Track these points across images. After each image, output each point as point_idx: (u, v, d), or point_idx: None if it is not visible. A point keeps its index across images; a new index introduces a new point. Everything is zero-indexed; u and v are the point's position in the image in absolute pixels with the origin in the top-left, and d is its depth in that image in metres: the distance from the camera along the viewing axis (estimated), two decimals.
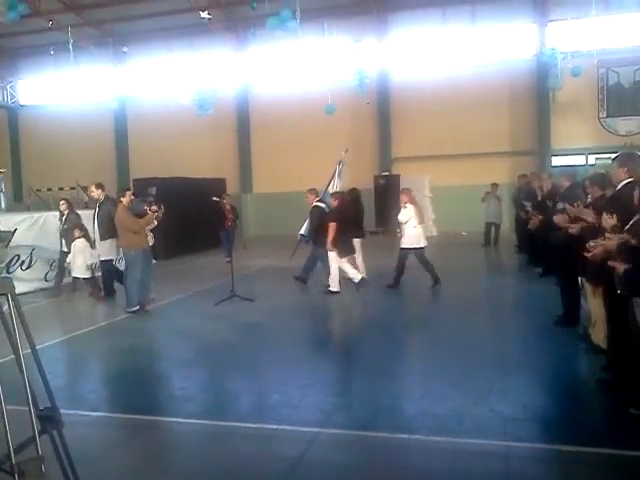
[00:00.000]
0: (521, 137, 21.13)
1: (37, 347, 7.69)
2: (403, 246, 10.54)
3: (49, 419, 2.37)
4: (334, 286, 10.17)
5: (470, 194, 19.04)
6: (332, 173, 12.19)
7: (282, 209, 22.43)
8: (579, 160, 20.23)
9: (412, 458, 4.12)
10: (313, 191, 11.33)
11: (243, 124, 24.05)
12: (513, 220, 15.46)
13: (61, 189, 20.05)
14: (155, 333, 8.43)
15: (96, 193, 10.60)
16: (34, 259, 11.56)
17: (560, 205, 7.09)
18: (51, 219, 12.26)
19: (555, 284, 7.91)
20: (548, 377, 5.74)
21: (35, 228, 11.67)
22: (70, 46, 17.83)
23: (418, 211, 10.51)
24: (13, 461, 1.92)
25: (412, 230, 10.37)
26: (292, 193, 22.69)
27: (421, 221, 10.47)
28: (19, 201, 24.84)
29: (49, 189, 20.43)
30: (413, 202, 10.56)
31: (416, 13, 21.68)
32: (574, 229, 5.97)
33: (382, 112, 22.45)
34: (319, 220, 10.65)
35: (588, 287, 6.14)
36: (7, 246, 9.42)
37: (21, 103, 27.33)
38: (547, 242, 8.13)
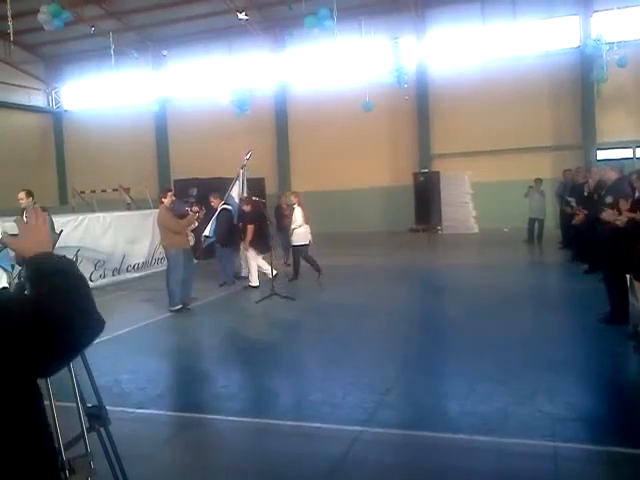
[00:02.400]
0: (564, 131, 20.63)
1: None
2: (296, 244, 11.64)
3: (96, 417, 2.40)
4: (254, 281, 11.05)
5: (512, 190, 18.71)
6: (236, 177, 12.23)
7: (320, 207, 22.39)
8: (626, 153, 19.68)
9: (456, 458, 4.05)
10: (217, 195, 11.73)
11: (281, 123, 24.14)
12: (557, 215, 15.12)
13: (104, 191, 20.44)
14: (197, 331, 8.53)
15: (25, 201, 9.55)
16: (79, 259, 11.80)
17: (608, 199, 6.88)
18: (94, 221, 12.55)
19: (601, 281, 7.68)
20: (597, 376, 5.58)
21: (80, 229, 11.92)
22: (112, 51, 18.18)
23: (304, 212, 11.63)
24: (63, 457, 1.95)
25: (301, 229, 11.51)
26: (331, 192, 22.71)
27: (307, 221, 11.59)
28: (64, 203, 25.45)
29: (93, 191, 20.84)
30: (301, 204, 11.70)
31: (455, 9, 21.41)
32: (621, 221, 5.79)
33: (421, 109, 22.24)
34: (229, 222, 11.35)
35: (637, 285, 5.95)
36: (53, 247, 9.70)
37: (65, 108, 28.04)
38: (593, 238, 7.91)
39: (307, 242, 11.66)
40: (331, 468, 3.97)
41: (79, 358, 2.63)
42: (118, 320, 9.48)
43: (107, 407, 5.32)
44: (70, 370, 2.41)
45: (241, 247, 11.58)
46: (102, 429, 2.46)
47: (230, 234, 11.34)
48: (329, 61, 23.05)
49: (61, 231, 11.40)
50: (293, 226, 11.57)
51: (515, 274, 11.76)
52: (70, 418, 2.45)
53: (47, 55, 26.92)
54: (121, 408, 5.30)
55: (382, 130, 22.46)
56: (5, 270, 8.07)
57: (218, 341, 7.74)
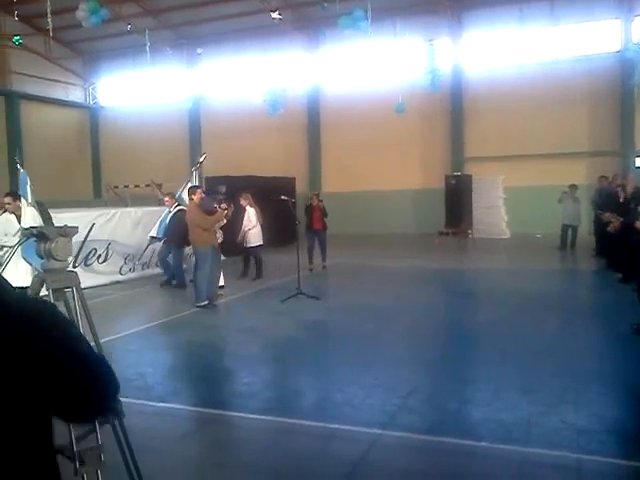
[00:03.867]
0: (601, 137, 20.19)
1: (110, 338, 7.97)
2: (252, 245, 11.90)
3: (111, 409, 2.40)
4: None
5: (545, 195, 18.39)
6: (188, 178, 12.34)
7: (350, 208, 22.40)
8: None
9: (477, 466, 3.97)
10: (171, 195, 11.80)
11: (313, 123, 24.16)
12: (592, 222, 14.81)
13: (137, 186, 20.75)
14: (222, 328, 8.56)
15: (12, 206, 9.01)
16: (110, 253, 11.97)
17: None
18: (126, 215, 12.71)
19: (635, 291, 7.49)
20: (626, 388, 5.42)
21: (111, 223, 12.07)
22: (147, 48, 18.41)
23: (257, 213, 11.87)
24: (74, 449, 1.96)
25: (255, 230, 11.80)
26: (361, 192, 22.64)
27: (261, 221, 11.92)
28: (98, 197, 25.91)
29: (126, 186, 21.19)
30: (252, 205, 11.88)
31: (492, 11, 21.15)
32: None
33: (454, 111, 22.02)
34: (185, 223, 11.06)
35: None
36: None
37: (101, 104, 28.52)
38: (627, 246, 7.71)
39: (261, 242, 12.01)
40: (349, 470, 3.93)
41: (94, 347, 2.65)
42: (145, 314, 9.62)
43: (129, 399, 5.42)
44: None
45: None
46: (116, 421, 2.46)
47: (186, 235, 11.21)
48: (363, 62, 23.01)
49: (93, 225, 11.59)
50: (247, 227, 11.74)
51: (546, 280, 11.55)
52: None
53: (85, 51, 27.42)
54: (142, 401, 5.35)
55: (414, 132, 22.30)
56: (30, 264, 8.20)
57: (242, 338, 7.75)
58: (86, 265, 11.58)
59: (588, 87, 20.13)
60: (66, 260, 2.27)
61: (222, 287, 10.64)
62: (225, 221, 9.73)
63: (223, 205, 9.51)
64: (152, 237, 11.65)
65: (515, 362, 6.11)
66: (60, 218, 11.30)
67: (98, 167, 28.47)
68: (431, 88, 18.68)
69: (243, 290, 10.87)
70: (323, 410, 5.09)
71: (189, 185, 11.88)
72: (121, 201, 19.03)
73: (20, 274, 8.83)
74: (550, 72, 20.27)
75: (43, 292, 2.38)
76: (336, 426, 4.61)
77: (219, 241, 9.94)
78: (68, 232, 2.25)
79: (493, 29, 21.48)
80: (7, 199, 8.74)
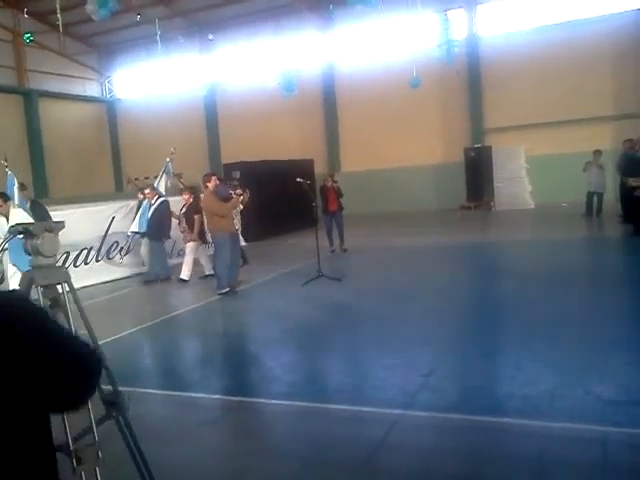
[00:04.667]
0: (627, 99, 19.57)
1: (132, 330, 8.02)
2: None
3: (112, 403, 2.38)
4: (186, 275, 10.77)
5: (570, 163, 17.99)
6: (162, 169, 12.37)
7: (372, 187, 22.23)
8: None
9: (500, 442, 3.90)
10: (151, 187, 11.47)
11: (329, 103, 23.94)
12: (617, 189, 14.46)
13: (157, 177, 20.80)
14: (243, 314, 8.57)
15: (3, 207, 9.29)
16: (132, 245, 12.05)
17: None
18: (145, 206, 12.76)
19: None
20: None
21: (131, 215, 12.13)
22: (158, 38, 18.37)
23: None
24: (71, 447, 1.94)
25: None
26: (381, 170, 22.45)
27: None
28: (119, 190, 26.12)
29: (146, 177, 21.24)
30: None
31: None
32: None
33: (472, 82, 21.60)
34: (168, 215, 11.13)
35: None
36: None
37: (118, 96, 28.64)
38: None
39: (238, 227, 11.41)
40: (370, 452, 3.90)
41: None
42: (167, 304, 9.69)
43: (151, 390, 5.44)
44: None
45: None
46: (120, 417, 2.44)
47: (168, 228, 11.21)
48: (376, 37, 22.67)
49: (113, 218, 11.67)
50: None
51: (572, 250, 11.32)
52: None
53: (99, 45, 27.50)
54: (166, 391, 5.39)
55: (432, 106, 21.96)
56: (19, 269, 8.21)
57: (264, 323, 7.76)
58: (108, 258, 11.69)
59: (610, 47, 19.51)
60: (54, 256, 2.25)
61: (186, 281, 10.75)
62: (242, 207, 9.70)
63: (238, 191, 9.49)
64: (134, 232, 11.30)
65: (539, 334, 6.00)
66: (81, 213, 11.55)
67: (118, 160, 28.66)
68: (447, 60, 18.29)
69: (264, 275, 10.87)
70: (345, 392, 5.05)
71: (163, 176, 12.00)
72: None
73: (12, 280, 8.93)
74: (569, 34, 19.70)
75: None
76: (358, 408, 4.59)
77: (237, 227, 9.92)
78: (54, 227, 2.23)
79: None
80: None
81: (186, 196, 11.07)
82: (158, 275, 11.08)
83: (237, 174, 11.68)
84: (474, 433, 4.07)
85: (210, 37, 24.04)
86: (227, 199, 9.38)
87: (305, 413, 4.68)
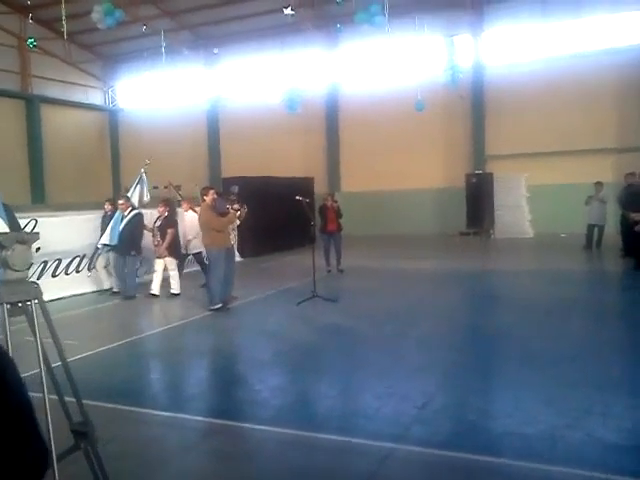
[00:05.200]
0: (629, 132, 19.52)
1: (118, 343, 7.78)
2: (195, 251, 11.31)
3: (82, 434, 2.17)
4: (176, 289, 10.66)
5: (570, 194, 17.92)
6: (136, 181, 11.78)
7: (371, 208, 22.10)
8: None
9: None
10: (126, 198, 10.94)
11: (332, 122, 23.89)
12: (618, 222, 14.32)
13: (156, 188, 20.57)
14: (234, 332, 8.36)
15: None
16: (105, 259, 11.79)
17: None
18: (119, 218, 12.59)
19: None
20: None
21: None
22: (163, 49, 18.33)
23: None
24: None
25: (197, 238, 10.72)
26: (380, 192, 22.33)
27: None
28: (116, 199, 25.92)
29: None
30: (194, 210, 11.02)
31: (514, 4, 20.65)
32: None
33: (476, 108, 21.58)
34: (139, 227, 10.74)
35: None
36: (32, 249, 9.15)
37: (121, 106, 28.58)
38: None
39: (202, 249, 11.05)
40: None
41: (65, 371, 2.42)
42: (157, 317, 9.48)
43: (135, 408, 5.21)
44: (43, 384, 2.17)
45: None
46: (89, 447, 2.23)
47: (140, 242, 10.77)
48: (381, 59, 22.69)
49: (38, 232, 11.33)
50: (190, 236, 11.13)
51: (572, 282, 11.14)
52: (58, 436, 2.22)
53: (104, 54, 27.50)
54: (148, 410, 5.17)
55: (435, 130, 21.92)
56: None
57: (255, 343, 7.54)
58: (104, 267, 11.48)
59: (614, 81, 19.54)
60: (24, 270, 2.05)
61: (178, 295, 10.59)
62: (238, 222, 9.52)
63: (235, 206, 9.31)
64: (104, 245, 10.75)
65: (538, 370, 5.79)
66: (78, 220, 11.37)
67: (117, 169, 28.51)
68: (451, 85, 18.30)
69: (258, 292, 10.66)
70: (334, 421, 4.84)
71: (137, 188, 11.47)
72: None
73: None
74: (574, 66, 19.74)
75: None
76: (347, 439, 4.37)
77: (232, 242, 9.73)
78: (27, 239, 2.03)
79: (515, 23, 20.98)
80: None
81: (161, 208, 10.67)
82: (125, 292, 10.59)
83: (235, 189, 11.45)
84: (469, 473, 3.85)
85: (215, 51, 24.05)
86: (224, 214, 9.21)
87: (291, 441, 4.46)
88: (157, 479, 3.98)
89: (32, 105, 24.74)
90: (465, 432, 4.43)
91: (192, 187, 19.11)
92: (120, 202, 10.67)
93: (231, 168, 23.27)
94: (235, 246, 12.24)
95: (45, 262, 10.52)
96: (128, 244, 10.42)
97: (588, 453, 3.94)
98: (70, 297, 10.66)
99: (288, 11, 15.55)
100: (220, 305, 9.16)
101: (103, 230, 10.85)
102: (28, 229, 9.91)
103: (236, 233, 11.32)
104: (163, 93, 26.64)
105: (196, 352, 7.25)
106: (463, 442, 4.23)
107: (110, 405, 5.25)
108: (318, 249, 11.48)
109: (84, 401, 5.37)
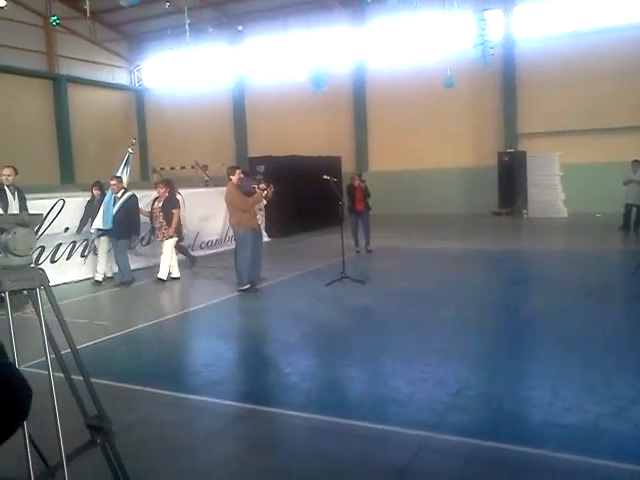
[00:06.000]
0: None
1: (145, 324, 7.72)
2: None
3: (97, 429, 2.04)
4: (164, 275, 10.18)
5: (605, 172, 17.41)
6: (124, 160, 11.21)
7: (399, 188, 21.78)
8: None
9: (536, 477, 3.51)
10: (119, 179, 10.29)
11: (359, 100, 23.52)
12: None
13: (183, 168, 20.64)
14: (262, 313, 8.26)
15: (13, 178, 8.62)
16: (152, 236, 11.78)
17: None
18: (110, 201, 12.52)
19: None
20: None
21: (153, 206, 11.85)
22: (187, 27, 18.13)
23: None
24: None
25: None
26: (409, 171, 21.99)
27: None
28: (146, 179, 25.99)
29: (172, 168, 21.12)
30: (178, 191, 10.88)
31: None
32: None
33: (507, 85, 21.01)
34: (135, 210, 10.24)
35: None
36: (37, 232, 8.66)
37: (146, 85, 28.54)
38: None
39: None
40: (393, 479, 3.53)
41: (76, 362, 2.28)
42: (185, 298, 9.42)
43: (161, 391, 5.13)
44: (50, 375, 2.03)
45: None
46: (106, 443, 2.10)
47: (135, 225, 10.23)
48: (409, 35, 22.19)
49: (43, 214, 11.24)
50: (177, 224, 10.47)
51: (609, 263, 10.79)
52: (73, 430, 2.10)
53: (129, 33, 27.43)
54: (174, 393, 5.08)
55: (464, 107, 21.44)
56: None
57: (283, 325, 7.42)
58: (130, 248, 11.44)
59: None
60: (28, 255, 1.90)
61: (178, 279, 10.32)
62: (265, 202, 9.38)
63: (262, 185, 9.15)
64: (98, 229, 10.06)
65: (578, 356, 5.55)
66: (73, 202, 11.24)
67: (145, 149, 28.56)
68: (482, 61, 17.79)
69: (286, 273, 10.53)
70: (366, 408, 4.69)
71: (127, 168, 11.02)
72: None
73: None
74: (607, 40, 19.04)
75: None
76: (380, 426, 4.21)
77: (259, 223, 9.60)
78: (28, 221, 1.88)
79: None
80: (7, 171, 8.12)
81: (161, 189, 10.29)
82: (120, 278, 10.18)
83: (262, 168, 11.27)
84: (507, 464, 3.66)
85: (239, 28, 23.77)
86: (250, 193, 9.07)
87: (322, 428, 4.32)
88: (183, 465, 3.87)
89: (59, 85, 24.83)
90: (502, 420, 4.25)
91: (219, 167, 19.08)
92: (112, 182, 10.03)
93: (257, 147, 23.13)
94: (263, 226, 12.14)
95: (74, 242, 10.52)
96: (124, 228, 9.92)
97: (635, 446, 3.71)
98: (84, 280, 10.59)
99: None
100: (248, 286, 9.06)
101: (88, 216, 10.26)
102: (56, 210, 9.92)
103: (263, 213, 11.15)
104: (188, 72, 26.51)
105: (224, 334, 7.16)
106: (500, 431, 4.04)
107: (137, 387, 5.19)
108: (346, 229, 11.29)
109: (111, 383, 5.39)
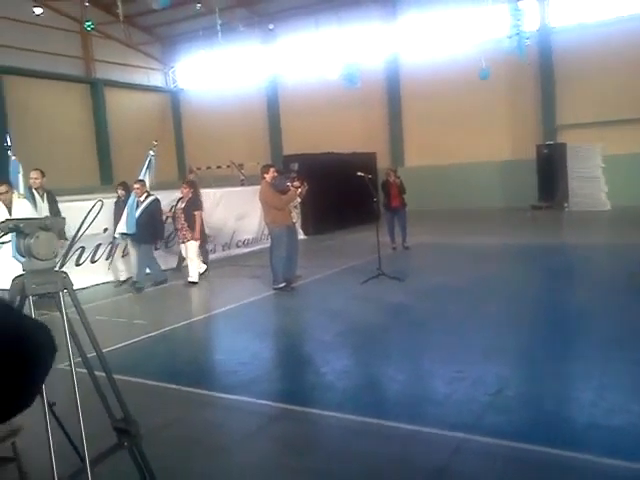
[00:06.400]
0: None
1: (182, 323, 7.79)
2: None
3: (124, 432, 2.02)
4: (195, 276, 10.04)
5: None
6: (146, 163, 10.87)
7: (436, 183, 21.53)
8: None
9: None
10: (142, 183, 10.08)
11: (393, 95, 23.30)
12: None
13: (219, 167, 20.80)
14: (298, 311, 8.24)
15: (40, 181, 8.47)
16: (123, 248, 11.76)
17: None
18: (205, 196, 12.55)
19: None
20: None
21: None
22: (219, 27, 18.24)
23: None
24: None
25: None
26: (446, 166, 21.70)
27: None
28: (182, 179, 26.29)
29: (208, 167, 21.31)
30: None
31: None
32: None
33: (544, 75, 20.52)
34: (159, 213, 10.08)
35: None
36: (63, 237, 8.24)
37: (181, 87, 28.86)
38: None
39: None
40: None
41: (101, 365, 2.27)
42: (221, 297, 9.45)
43: (199, 390, 5.14)
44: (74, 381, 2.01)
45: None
46: (133, 446, 2.08)
47: (159, 229, 10.12)
48: (443, 28, 21.85)
49: (171, 207, 11.50)
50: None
51: None
52: (100, 432, 2.09)
53: (163, 36, 27.72)
54: (210, 392, 5.09)
55: (500, 100, 21.03)
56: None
57: (319, 323, 7.39)
58: (167, 247, 11.56)
59: None
60: (51, 259, 1.89)
61: (195, 283, 10.02)
62: (299, 200, 9.35)
63: (296, 183, 9.12)
64: (122, 234, 9.97)
65: (625, 355, 5.35)
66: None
67: (181, 149, 28.90)
68: (517, 52, 17.40)
69: (322, 271, 10.49)
70: (402, 407, 4.61)
71: (149, 170, 10.74)
72: (203, 182, 19.09)
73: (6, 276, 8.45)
74: None
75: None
76: (416, 427, 4.13)
77: (294, 221, 9.58)
78: (51, 225, 1.87)
79: None
80: (2, 188, 7.64)
81: (185, 190, 10.10)
82: (154, 279, 10.09)
83: (295, 166, 11.25)
84: (548, 469, 3.54)
85: (270, 27, 23.79)
86: (284, 191, 9.05)
87: (358, 429, 4.27)
88: (218, 466, 3.87)
89: (96, 89, 25.29)
90: (543, 422, 4.11)
91: (254, 165, 19.16)
92: (136, 186, 9.90)
93: (292, 145, 23.15)
94: (298, 224, 12.12)
95: (112, 243, 10.65)
96: (147, 232, 9.77)
97: None
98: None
99: None
100: (284, 284, 9.05)
101: (117, 218, 10.17)
102: (95, 211, 10.05)
103: (298, 211, 11.13)
104: (221, 72, 26.69)
105: (260, 332, 7.15)
106: (541, 434, 3.91)
107: (173, 386, 5.22)
108: (382, 226, 11.19)
109: (149, 381, 5.43)
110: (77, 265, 9.91)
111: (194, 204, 10.03)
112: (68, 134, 23.68)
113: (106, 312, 8.32)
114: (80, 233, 8.99)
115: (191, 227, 9.95)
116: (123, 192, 10.26)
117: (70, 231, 10.11)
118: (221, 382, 5.47)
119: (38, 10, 20.77)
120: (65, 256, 9.15)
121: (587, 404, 4.32)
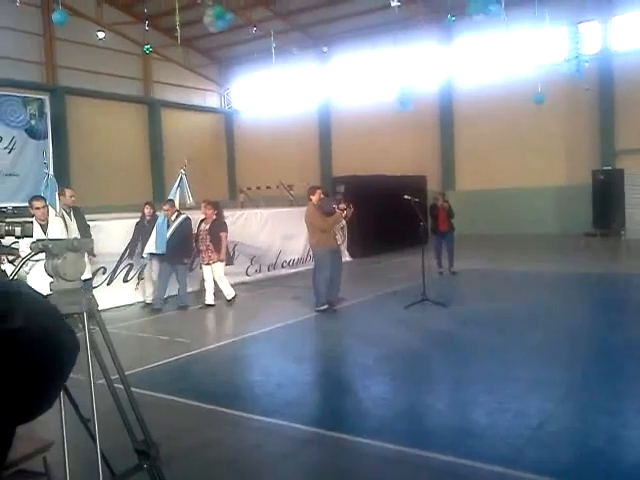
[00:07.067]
0: None
1: (223, 342, 7.80)
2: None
3: (144, 454, 2.02)
4: (230, 295, 10.03)
5: None
6: (177, 183, 10.69)
7: (487, 207, 21.18)
8: None
9: None
10: (171, 203, 9.97)
11: (446, 118, 23.14)
12: None
13: (268, 187, 21.03)
14: (339, 335, 8.16)
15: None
16: (236, 254, 11.98)
17: None
18: (252, 216, 12.79)
19: None
20: None
21: (238, 225, 12.08)
22: (273, 51, 18.57)
23: None
24: None
25: None
26: (498, 190, 21.33)
27: None
28: (233, 199, 26.69)
29: (258, 187, 21.61)
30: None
31: None
32: None
33: (604, 99, 19.99)
34: (190, 233, 9.89)
35: None
36: (91, 253, 7.99)
37: (236, 108, 29.44)
38: None
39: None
40: None
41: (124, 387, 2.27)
42: (263, 317, 9.46)
43: (235, 412, 5.13)
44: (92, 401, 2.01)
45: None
46: (152, 468, 2.07)
47: (189, 249, 9.96)
48: (498, 50, 21.64)
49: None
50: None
51: None
52: (121, 453, 2.08)
53: (220, 58, 28.42)
54: (245, 414, 5.07)
55: (556, 124, 20.58)
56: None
57: (359, 347, 7.29)
58: (191, 269, 11.50)
59: None
60: (77, 279, 1.90)
61: (212, 306, 9.87)
62: (344, 222, 9.32)
63: (342, 205, 9.10)
64: (151, 254, 9.80)
65: None
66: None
67: (233, 169, 29.36)
68: (576, 75, 17.06)
69: (366, 294, 10.40)
70: (440, 438, 4.48)
71: (178, 190, 10.58)
72: (253, 203, 19.32)
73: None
74: None
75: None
76: (454, 459, 4.00)
77: (339, 243, 9.55)
78: (78, 246, 1.89)
79: None
80: (37, 203, 7.56)
81: (209, 211, 9.93)
82: (179, 302, 9.96)
83: (342, 188, 11.24)
84: None
85: (324, 49, 24.06)
86: (330, 213, 9.05)
87: (393, 458, 4.16)
88: None
89: (154, 109, 26.04)
90: (588, 459, 3.92)
91: (304, 186, 19.28)
92: (165, 207, 9.84)
93: (342, 167, 23.20)
94: (344, 246, 12.09)
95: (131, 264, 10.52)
96: (179, 252, 9.64)
97: None
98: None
99: (395, 2, 15.08)
100: (326, 306, 9.02)
101: (138, 238, 10.05)
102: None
103: (344, 233, 11.10)
104: (275, 93, 27.11)
105: (299, 355, 7.11)
106: (585, 472, 3.74)
107: (210, 406, 5.22)
108: (428, 250, 11.03)
109: (186, 400, 5.46)
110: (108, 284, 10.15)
111: (219, 225, 9.91)
112: (125, 153, 24.42)
113: (150, 330, 8.50)
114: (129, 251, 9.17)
115: (217, 248, 9.82)
116: (150, 211, 10.19)
117: (116, 248, 10.32)
118: (258, 404, 5.43)
119: (101, 34, 21.65)
120: (113, 273, 9.33)
121: (636, 442, 4.10)
